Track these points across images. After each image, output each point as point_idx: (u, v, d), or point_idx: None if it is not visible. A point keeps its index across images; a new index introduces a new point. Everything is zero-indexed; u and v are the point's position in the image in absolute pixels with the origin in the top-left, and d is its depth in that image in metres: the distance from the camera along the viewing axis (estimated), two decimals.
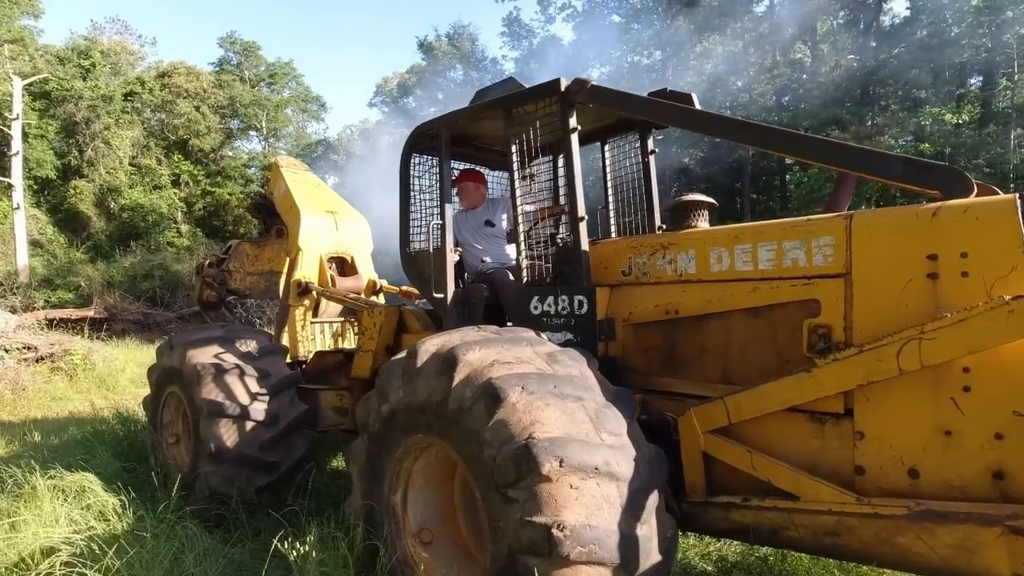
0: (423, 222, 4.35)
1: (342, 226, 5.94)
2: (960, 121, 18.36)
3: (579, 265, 3.39)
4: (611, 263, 3.42)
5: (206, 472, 4.28)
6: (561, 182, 4.23)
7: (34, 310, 17.29)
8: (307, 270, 5.61)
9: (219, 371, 4.45)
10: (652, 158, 4.08)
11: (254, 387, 4.51)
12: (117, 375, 11.11)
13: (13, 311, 14.64)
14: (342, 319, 6.24)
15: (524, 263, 3.63)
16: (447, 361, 2.52)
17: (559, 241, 3.66)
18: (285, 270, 6.37)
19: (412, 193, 4.40)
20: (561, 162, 4.14)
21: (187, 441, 5.04)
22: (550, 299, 3.48)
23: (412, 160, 4.37)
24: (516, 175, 3.66)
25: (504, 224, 4.41)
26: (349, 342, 6.22)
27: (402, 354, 2.90)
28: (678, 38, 25.05)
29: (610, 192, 4.28)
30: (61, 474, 4.37)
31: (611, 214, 4.25)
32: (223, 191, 34.19)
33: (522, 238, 3.64)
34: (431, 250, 3.97)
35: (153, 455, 4.93)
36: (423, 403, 2.62)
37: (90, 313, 18.38)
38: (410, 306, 4.78)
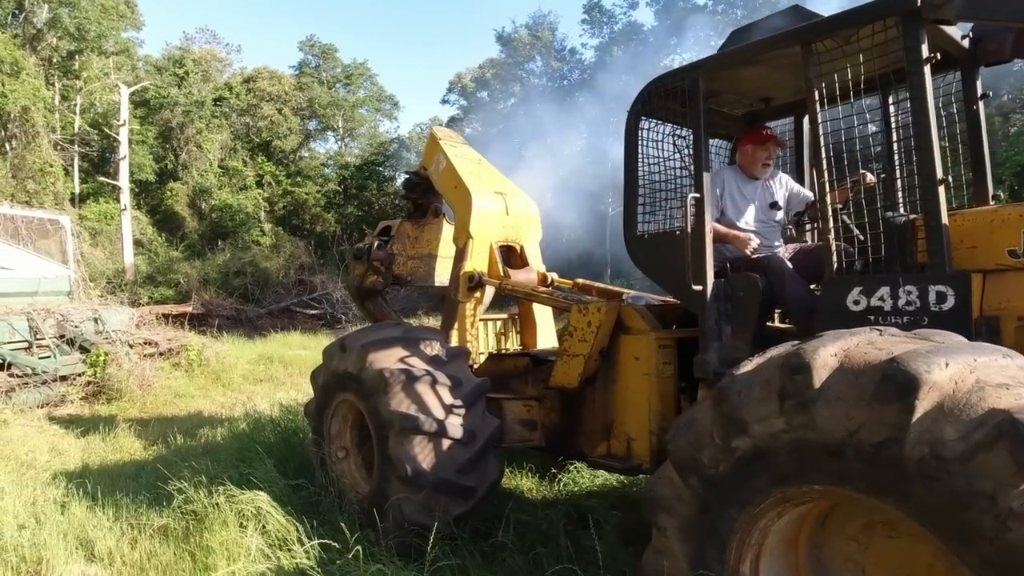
0: (658, 198, 3.54)
1: (513, 210, 5.21)
2: None
3: (938, 244, 2.49)
4: (982, 241, 2.50)
5: (400, 499, 3.63)
6: (899, 133, 3.24)
7: (140, 306, 17.73)
8: (477, 260, 4.92)
9: (409, 378, 3.79)
10: (982, 104, 3.11)
11: (448, 398, 3.83)
12: (230, 371, 10.95)
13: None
14: (505, 316, 5.54)
15: (834, 244, 2.76)
16: (897, 381, 1.68)
17: (890, 214, 2.76)
18: (436, 256, 5.76)
19: (640, 165, 3.61)
20: (892, 108, 3.19)
21: (356, 456, 4.44)
22: (884, 291, 2.60)
23: (641, 125, 3.58)
24: (820, 129, 2.79)
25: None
26: (512, 342, 5.51)
27: (754, 364, 2.10)
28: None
29: (896, 152, 3.33)
30: (231, 491, 3.83)
31: (898, 181, 3.30)
32: (301, 191, 34.78)
33: (830, 212, 2.77)
34: (688, 230, 3.15)
35: (323, 471, 4.35)
36: (834, 442, 1.79)
37: (190, 309, 18.79)
38: (629, 301, 3.99)
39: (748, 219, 3.57)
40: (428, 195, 5.86)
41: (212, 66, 35.75)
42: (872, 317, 2.64)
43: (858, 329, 2.04)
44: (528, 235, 5.38)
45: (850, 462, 1.77)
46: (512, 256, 5.33)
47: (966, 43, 2.99)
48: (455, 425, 3.75)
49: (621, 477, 4.60)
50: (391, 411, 3.72)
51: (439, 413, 3.75)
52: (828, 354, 1.88)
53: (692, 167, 3.26)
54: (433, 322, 16.88)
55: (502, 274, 4.95)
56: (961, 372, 1.67)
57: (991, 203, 3.02)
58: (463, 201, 5.05)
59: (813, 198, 3.90)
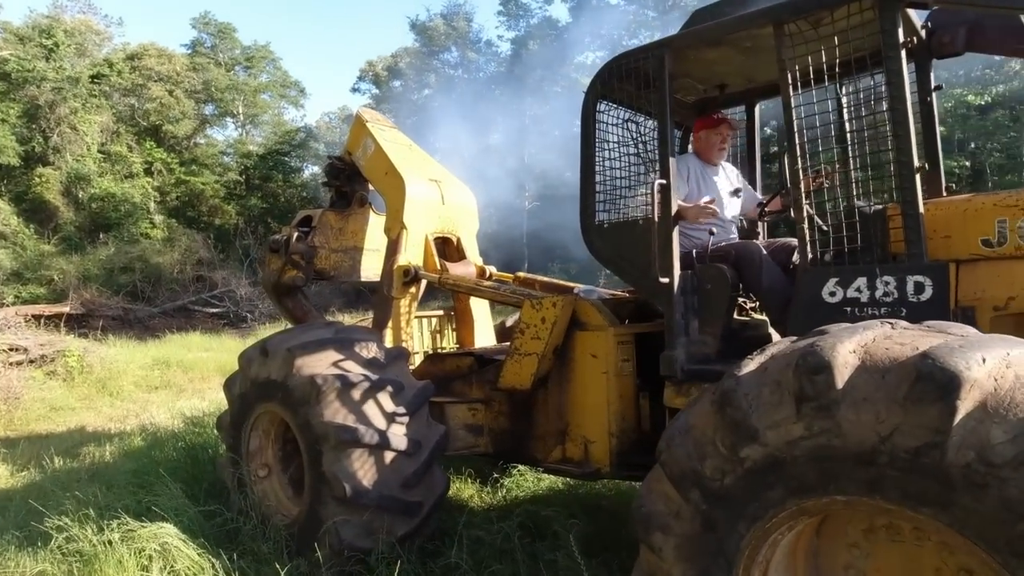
0: (618, 185, 3.34)
1: (449, 199, 4.86)
2: (984, 103, 17.94)
3: (915, 234, 2.44)
4: (956, 230, 2.47)
5: (337, 522, 3.21)
6: (869, 120, 3.13)
7: (3, 306, 15.60)
8: (412, 253, 4.53)
9: (345, 385, 3.37)
10: (935, 96, 3.13)
11: (389, 405, 3.45)
12: (119, 378, 9.81)
13: None
14: (440, 313, 5.17)
15: (808, 234, 2.66)
16: (936, 379, 1.52)
17: (861, 204, 2.69)
18: (362, 249, 5.30)
19: (598, 150, 3.39)
20: (849, 95, 3.09)
21: (281, 475, 3.95)
22: (860, 282, 2.52)
23: (598, 109, 3.36)
24: (793, 113, 2.68)
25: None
26: (448, 341, 5.16)
27: (757, 363, 1.91)
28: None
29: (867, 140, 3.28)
30: (128, 524, 3.25)
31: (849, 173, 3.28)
32: (197, 180, 32.21)
33: (803, 200, 2.67)
34: (654, 218, 2.96)
35: (241, 493, 3.82)
36: (864, 449, 1.62)
37: (66, 309, 16.80)
38: (582, 295, 3.77)
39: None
40: (353, 182, 5.37)
41: (88, 39, 32.18)
42: (848, 309, 2.55)
43: (867, 322, 1.90)
44: (465, 226, 5.05)
45: (883, 470, 1.60)
46: (448, 248, 4.98)
47: (923, 34, 2.99)
48: (399, 435, 3.38)
49: (570, 480, 4.40)
50: (325, 423, 3.28)
51: (380, 422, 3.36)
52: (847, 351, 1.71)
53: (657, 152, 3.07)
54: (349, 320, 16.09)
55: (439, 268, 4.59)
56: (998, 368, 1.54)
57: (944, 195, 3.04)
58: (395, 189, 4.64)
59: (760, 199, 3.86)
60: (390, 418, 3.41)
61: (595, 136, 3.40)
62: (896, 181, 2.49)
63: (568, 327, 3.60)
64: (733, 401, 1.86)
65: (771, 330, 3.51)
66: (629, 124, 3.50)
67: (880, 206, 2.62)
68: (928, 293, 2.39)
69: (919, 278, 2.41)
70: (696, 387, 2.93)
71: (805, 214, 2.67)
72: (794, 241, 3.32)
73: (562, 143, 27.79)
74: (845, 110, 2.90)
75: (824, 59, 2.60)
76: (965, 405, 1.50)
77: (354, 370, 3.50)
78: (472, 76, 30.95)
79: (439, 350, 4.98)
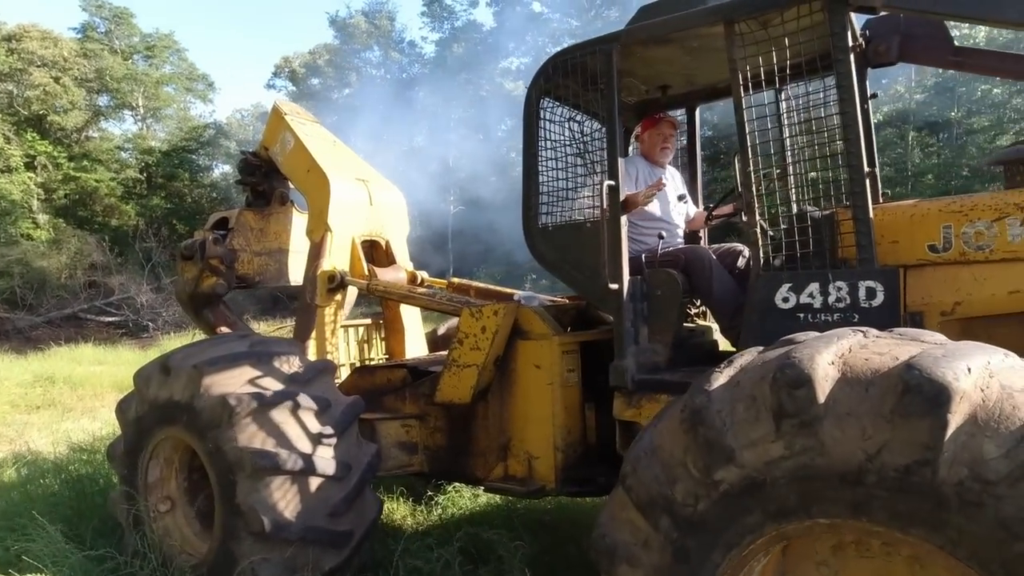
0: (563, 186, 3.18)
1: (377, 199, 4.53)
2: (876, 121, 19.48)
3: (866, 238, 2.42)
4: (903, 235, 2.47)
5: (255, 561, 2.84)
6: (818, 123, 3.09)
7: None
8: (338, 257, 4.18)
9: (263, 404, 3.00)
10: (871, 104, 3.18)
11: (314, 425, 3.10)
12: None
13: None
14: (368, 322, 4.83)
15: (761, 239, 2.60)
16: (924, 391, 1.43)
17: (808, 208, 2.65)
18: (287, 250, 4.88)
19: (542, 149, 3.22)
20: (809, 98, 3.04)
21: (186, 508, 3.49)
22: (813, 288, 2.48)
23: (541, 106, 3.19)
24: (745, 114, 2.62)
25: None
26: (377, 351, 4.82)
27: (727, 377, 1.78)
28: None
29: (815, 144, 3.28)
30: None
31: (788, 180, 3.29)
32: (90, 177, 29.52)
33: (756, 202, 2.61)
34: (603, 221, 2.81)
35: (137, 532, 3.33)
36: (849, 468, 1.51)
37: None
38: (522, 302, 3.56)
39: (659, 210, 3.34)
40: (271, 180, 4.95)
41: None
42: (802, 315, 2.50)
43: (838, 331, 1.81)
44: (395, 229, 4.75)
45: (870, 490, 1.50)
46: (376, 253, 4.66)
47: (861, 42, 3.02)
48: (326, 458, 3.04)
49: (509, 496, 4.19)
50: (240, 448, 2.90)
51: (305, 445, 3.01)
52: (826, 362, 1.61)
53: (604, 153, 2.93)
54: (265, 329, 15.19)
55: (367, 273, 4.27)
56: (983, 377, 1.48)
57: (880, 201, 3.09)
58: (318, 188, 4.27)
59: (696, 208, 3.82)
60: (316, 439, 3.07)
61: (538, 134, 3.22)
62: (846, 185, 2.47)
63: (510, 336, 3.39)
64: (705, 419, 1.72)
65: (716, 337, 3.47)
66: (571, 124, 3.36)
67: (829, 211, 2.59)
68: (879, 299, 2.37)
69: (871, 283, 2.38)
70: (647, 398, 2.81)
71: (758, 218, 2.60)
72: (739, 246, 3.29)
73: (487, 147, 27.78)
74: (794, 113, 2.88)
75: (775, 60, 2.55)
76: (955, 419, 1.41)
77: (273, 387, 3.13)
78: (395, 76, 30.29)
79: (367, 362, 4.64)
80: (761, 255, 2.60)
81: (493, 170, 27.59)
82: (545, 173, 3.22)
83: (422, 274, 4.76)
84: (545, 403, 3.27)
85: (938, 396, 1.42)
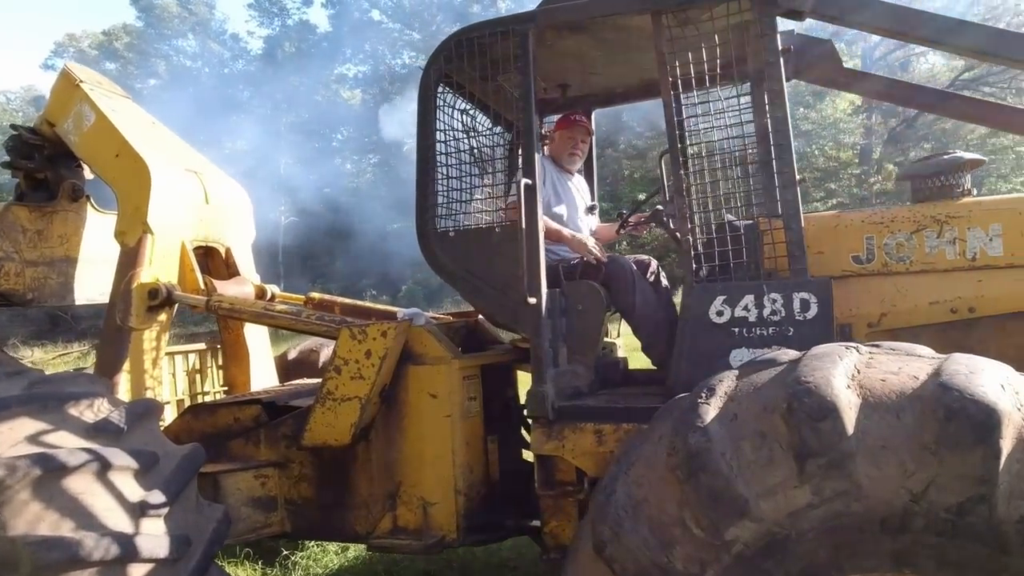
0: (467, 184, 2.75)
1: (214, 197, 3.69)
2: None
3: (799, 248, 2.32)
4: (828, 246, 2.43)
5: None
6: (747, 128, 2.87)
7: None
8: (162, 266, 3.29)
9: (50, 471, 2.12)
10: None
11: (135, 491, 2.28)
12: None
13: None
14: (202, 347, 3.92)
15: (693, 249, 2.41)
16: (970, 416, 1.24)
17: (730, 218, 2.52)
18: (77, 259, 3.79)
19: (440, 141, 2.77)
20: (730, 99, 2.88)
21: None
22: (748, 300, 2.33)
23: (439, 91, 2.75)
24: (675, 115, 2.43)
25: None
26: (213, 383, 3.93)
27: (717, 407, 1.48)
28: None
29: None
30: None
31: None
32: None
33: (689, 212, 2.42)
34: (521, 225, 2.43)
35: None
36: (893, 512, 1.27)
37: None
38: (412, 320, 3.03)
39: (569, 220, 3.04)
40: (56, 166, 3.84)
41: None
42: (736, 330, 2.34)
43: (828, 347, 1.61)
44: (236, 233, 3.94)
45: (917, 536, 1.27)
46: (213, 262, 3.81)
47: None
48: (154, 534, 2.23)
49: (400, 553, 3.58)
50: (14, 539, 2.00)
51: (121, 521, 2.19)
52: (843, 385, 1.37)
53: (520, 147, 2.57)
54: (42, 357, 12.47)
55: (203, 287, 3.43)
56: (1014, 395, 1.33)
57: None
58: (133, 177, 3.35)
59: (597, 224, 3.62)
60: (138, 510, 2.24)
61: (435, 125, 2.76)
62: (779, 193, 2.36)
63: (399, 361, 2.85)
64: (708, 464, 1.40)
65: (622, 354, 3.26)
66: (465, 116, 2.96)
67: (754, 220, 2.47)
68: (813, 311, 2.27)
69: (804, 295, 2.28)
70: (571, 428, 2.46)
71: (691, 227, 2.40)
72: (648, 258, 3.11)
73: (321, 156, 26.18)
74: (724, 116, 2.77)
75: (704, 59, 2.39)
76: (1007, 445, 1.24)
77: (67, 444, 2.24)
78: (215, 71, 27.31)
79: (202, 398, 3.74)
80: (694, 266, 2.40)
81: (327, 180, 26.11)
82: (445, 169, 2.76)
83: (272, 288, 3.98)
84: (443, 439, 2.78)
85: (987, 421, 1.24)
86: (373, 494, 2.91)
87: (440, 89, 2.77)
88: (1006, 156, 21.66)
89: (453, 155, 2.76)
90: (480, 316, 3.58)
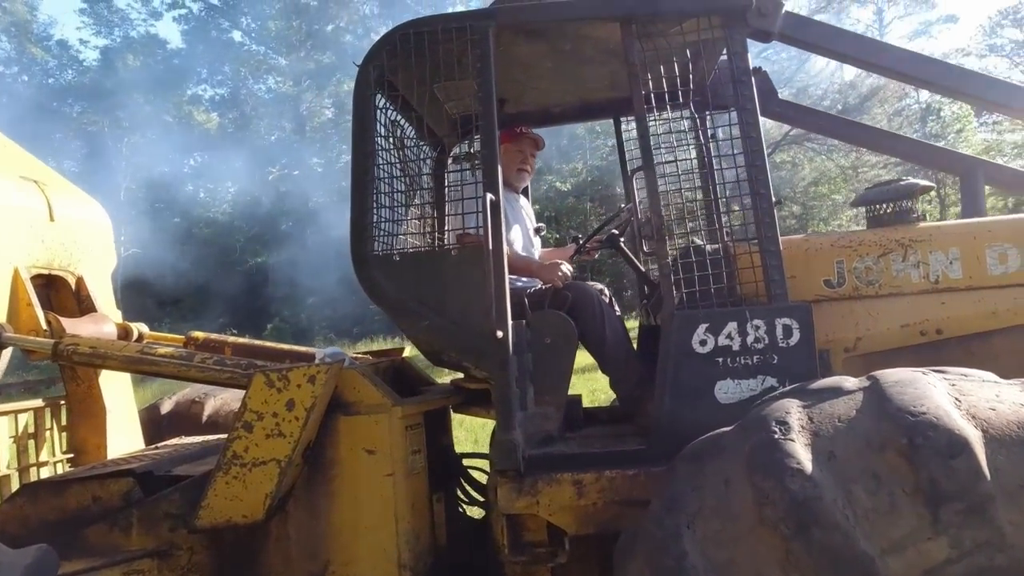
0: (414, 200, 2.38)
1: (62, 215, 2.94)
2: (567, 188, 22.62)
3: (779, 273, 2.23)
4: (800, 271, 2.36)
5: None
6: (718, 148, 2.75)
7: None
8: None
9: None
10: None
11: None
12: None
13: None
14: (39, 404, 3.05)
15: (670, 276, 2.23)
16: None
17: (701, 243, 2.38)
18: None
19: (380, 150, 2.38)
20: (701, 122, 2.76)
21: None
22: (731, 327, 2.19)
23: (376, 101, 2.39)
24: (649, 131, 2.27)
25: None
26: (52, 450, 3.06)
27: (800, 446, 1.28)
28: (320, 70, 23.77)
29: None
30: None
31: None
32: None
33: (665, 235, 2.25)
34: (488, 246, 2.10)
35: None
36: None
37: None
38: (329, 362, 2.52)
39: (518, 243, 2.74)
40: None
41: None
42: (720, 359, 2.18)
43: (907, 371, 1.46)
44: (92, 259, 3.19)
45: None
46: (60, 294, 3.03)
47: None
48: None
49: None
50: None
51: None
52: (960, 417, 1.20)
53: (480, 158, 2.25)
54: None
55: (46, 325, 2.67)
56: None
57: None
58: None
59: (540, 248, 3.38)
60: None
61: (374, 131, 2.37)
62: (756, 216, 2.26)
63: (326, 412, 2.35)
64: (821, 515, 1.17)
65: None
66: (395, 128, 2.60)
67: (722, 244, 2.36)
68: (796, 337, 2.18)
69: (787, 320, 2.18)
70: (545, 480, 2.13)
71: (669, 249, 2.22)
72: (598, 284, 2.91)
73: (167, 180, 23.68)
74: (698, 134, 2.65)
75: (676, 72, 2.26)
76: None
77: None
78: (38, 80, 23.76)
79: (36, 471, 2.88)
80: (675, 292, 2.21)
81: (176, 209, 23.64)
82: (386, 184, 2.36)
83: (139, 327, 3.24)
84: (383, 502, 2.32)
85: None
86: None
87: (379, 91, 2.39)
88: (824, 202, 25.04)
89: (397, 166, 2.38)
90: (405, 355, 3.17)
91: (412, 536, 2.35)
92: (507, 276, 2.20)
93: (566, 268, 2.46)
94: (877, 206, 2.46)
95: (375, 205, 2.34)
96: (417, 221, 2.66)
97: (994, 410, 1.29)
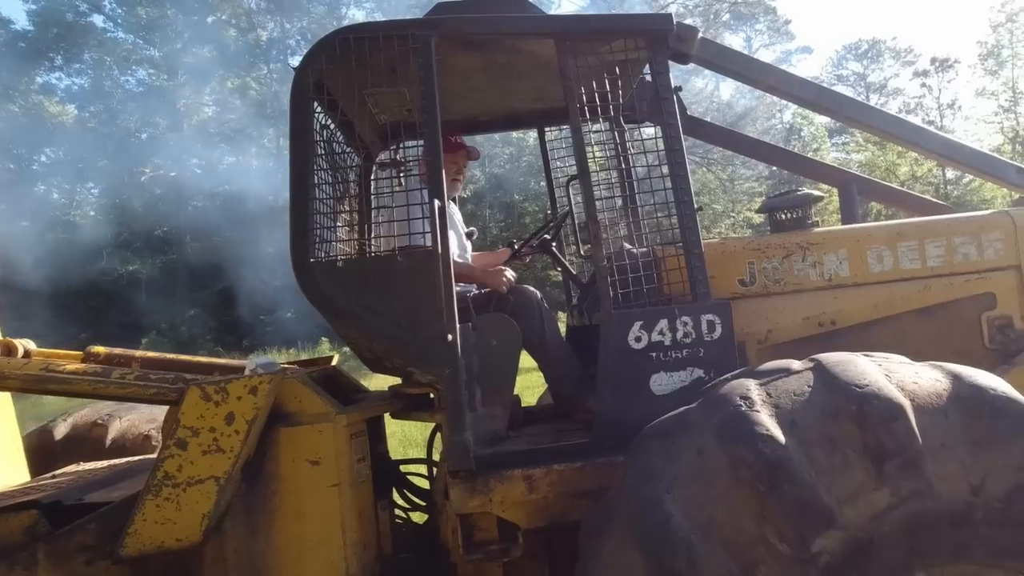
0: (355, 205, 2.36)
1: None
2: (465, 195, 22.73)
3: (701, 272, 2.44)
4: (718, 271, 2.59)
5: None
6: (646, 159, 2.81)
7: None
8: None
9: None
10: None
11: None
12: None
13: None
14: None
15: (607, 277, 2.38)
16: (1009, 413, 1.40)
17: (627, 247, 2.56)
18: None
19: (319, 155, 2.35)
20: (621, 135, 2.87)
21: None
22: (663, 324, 2.37)
23: (313, 107, 2.35)
24: (588, 138, 2.42)
25: None
26: None
27: (767, 416, 1.48)
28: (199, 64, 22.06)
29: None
30: None
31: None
32: None
33: (602, 238, 2.40)
34: (438, 250, 2.14)
35: None
36: (957, 507, 1.43)
37: None
38: (260, 371, 2.41)
39: (454, 248, 2.77)
40: None
41: None
42: (654, 354, 2.35)
43: (845, 355, 1.71)
44: None
45: (976, 528, 1.41)
46: None
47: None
48: None
49: None
50: None
51: None
52: (895, 389, 1.44)
53: (426, 164, 2.28)
54: None
55: None
56: None
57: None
58: None
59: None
60: None
61: (312, 135, 2.32)
62: (680, 220, 2.46)
63: (265, 425, 2.26)
64: (792, 473, 1.39)
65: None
66: (327, 134, 2.57)
67: (649, 248, 2.55)
68: (718, 331, 2.39)
69: (710, 316, 2.40)
70: (497, 478, 2.19)
71: (606, 252, 2.37)
72: (531, 288, 3.01)
73: (10, 178, 21.03)
74: (628, 146, 2.80)
75: (606, 87, 2.43)
76: None
77: None
78: None
79: None
80: (611, 292, 2.36)
81: (27, 210, 20.99)
82: (326, 188, 2.32)
83: (24, 343, 2.91)
84: (329, 514, 2.27)
85: (1021, 415, 1.42)
86: None
87: (316, 94, 2.34)
88: (706, 212, 27.27)
89: (330, 172, 2.34)
90: (335, 363, 3.10)
91: (360, 547, 2.32)
92: (453, 280, 2.24)
93: (510, 274, 2.54)
94: (778, 213, 2.77)
95: (314, 210, 2.29)
96: (354, 228, 2.62)
97: (916, 384, 1.55)
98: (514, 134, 22.64)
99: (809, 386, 1.55)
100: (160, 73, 22.78)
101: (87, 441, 3.09)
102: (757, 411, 1.51)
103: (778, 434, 1.45)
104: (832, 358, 1.68)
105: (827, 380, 1.55)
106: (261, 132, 22.92)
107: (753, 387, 1.63)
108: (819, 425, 1.46)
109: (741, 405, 1.55)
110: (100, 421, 3.14)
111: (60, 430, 3.12)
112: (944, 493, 1.44)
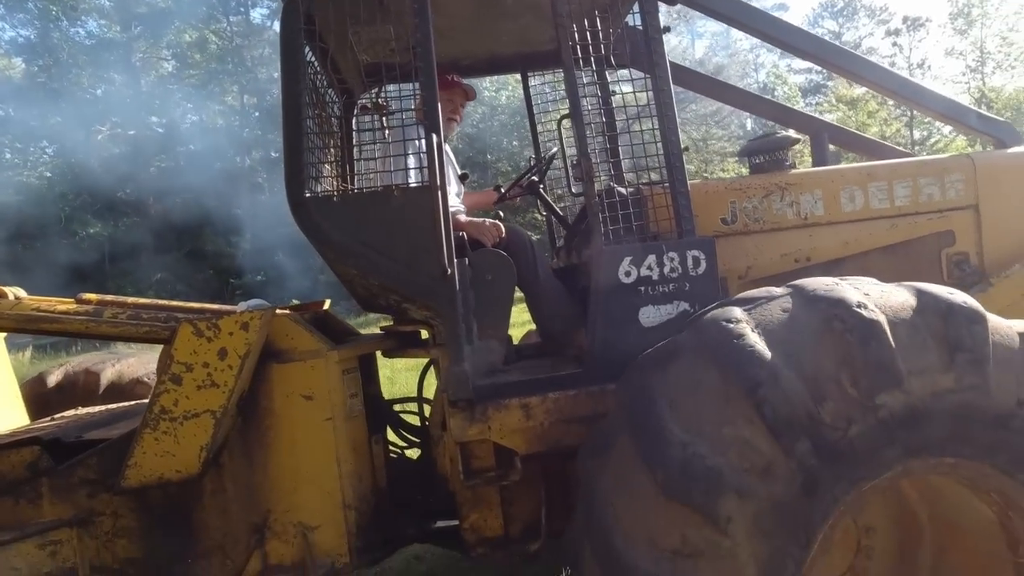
0: (338, 145, 2.35)
1: None
2: None
3: (687, 210, 2.51)
4: (700, 211, 2.67)
5: None
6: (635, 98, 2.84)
7: None
8: None
9: None
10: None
11: None
12: None
13: None
14: None
15: (598, 214, 2.44)
16: None
17: (613, 186, 2.62)
18: None
19: (309, 87, 2.32)
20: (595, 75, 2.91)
21: None
22: (651, 260, 2.45)
23: (303, 37, 2.32)
24: (578, 80, 2.43)
25: None
26: None
27: (873, 301, 1.72)
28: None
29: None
30: None
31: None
32: None
33: (594, 177, 2.45)
34: (436, 184, 2.17)
35: None
36: (1003, 411, 1.67)
37: None
38: (256, 309, 2.43)
39: (451, 188, 2.79)
40: None
41: None
42: (643, 288, 2.43)
43: (859, 279, 1.89)
44: None
45: (1011, 435, 1.66)
46: None
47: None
48: None
49: None
50: None
51: None
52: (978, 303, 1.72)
53: (422, 97, 2.28)
54: None
55: None
56: None
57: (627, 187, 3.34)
58: None
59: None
60: None
61: (304, 70, 2.29)
62: (666, 160, 2.52)
63: (258, 361, 2.29)
64: (881, 335, 1.61)
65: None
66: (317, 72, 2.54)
67: (636, 187, 2.62)
68: (703, 267, 2.48)
69: (695, 252, 2.48)
70: (495, 407, 2.27)
71: (596, 190, 2.42)
72: (522, 229, 3.06)
73: None
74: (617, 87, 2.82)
75: (598, 28, 2.44)
76: None
77: None
78: None
79: None
80: (602, 229, 2.42)
81: None
82: (319, 124, 2.31)
83: (14, 290, 2.85)
84: (324, 447, 2.34)
85: None
86: (231, 533, 2.29)
87: (306, 26, 2.30)
88: None
89: (330, 106, 2.33)
90: (326, 306, 3.12)
91: (355, 478, 2.39)
92: (450, 216, 2.27)
93: (501, 227, 2.58)
94: (757, 157, 2.85)
95: (307, 146, 2.28)
96: (348, 165, 2.61)
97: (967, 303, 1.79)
98: (487, 92, 22.24)
99: (901, 290, 1.79)
100: (112, 24, 21.59)
101: (81, 387, 3.08)
102: (853, 291, 1.75)
103: (873, 314, 1.67)
104: (871, 283, 1.90)
105: (919, 289, 1.77)
106: (225, 88, 22.07)
107: (826, 285, 1.84)
108: (907, 312, 1.67)
109: (838, 284, 1.80)
110: (92, 368, 3.12)
111: (53, 378, 3.10)
112: (996, 396, 1.66)
